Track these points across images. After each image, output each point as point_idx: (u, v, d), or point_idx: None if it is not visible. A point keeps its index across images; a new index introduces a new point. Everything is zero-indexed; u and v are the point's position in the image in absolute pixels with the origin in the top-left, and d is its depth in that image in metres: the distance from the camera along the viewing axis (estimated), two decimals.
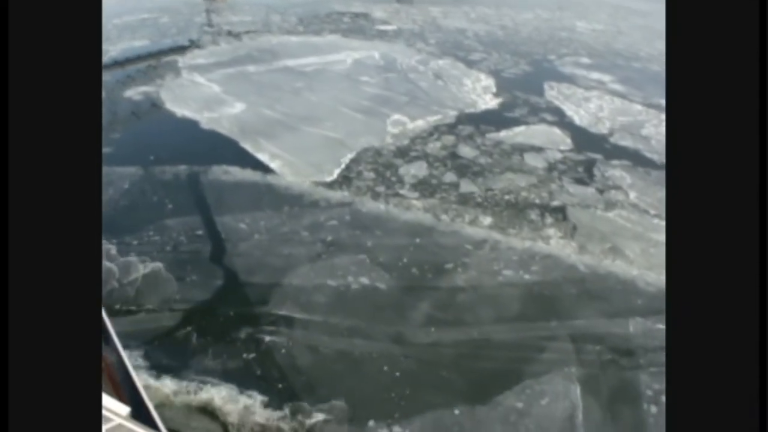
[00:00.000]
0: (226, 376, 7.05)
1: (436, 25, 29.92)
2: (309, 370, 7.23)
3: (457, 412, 6.95)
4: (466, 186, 12.10)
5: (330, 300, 8.41)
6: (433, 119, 15.81)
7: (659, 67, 23.84)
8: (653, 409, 7.33)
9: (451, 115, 16.33)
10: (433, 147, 13.90)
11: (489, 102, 17.74)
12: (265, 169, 12.02)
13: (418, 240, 10.08)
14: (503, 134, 15.09)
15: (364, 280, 8.88)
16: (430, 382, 7.28)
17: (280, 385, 7.02)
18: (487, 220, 10.90)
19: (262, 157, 12.53)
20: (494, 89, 19.11)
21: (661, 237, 10.81)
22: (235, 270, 8.81)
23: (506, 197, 11.80)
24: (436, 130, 15.01)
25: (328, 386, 7.04)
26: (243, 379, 7.02)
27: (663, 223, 11.37)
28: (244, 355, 7.37)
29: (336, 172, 12.14)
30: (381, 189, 11.62)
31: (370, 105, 16.49)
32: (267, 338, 7.62)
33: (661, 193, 12.55)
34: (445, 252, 9.87)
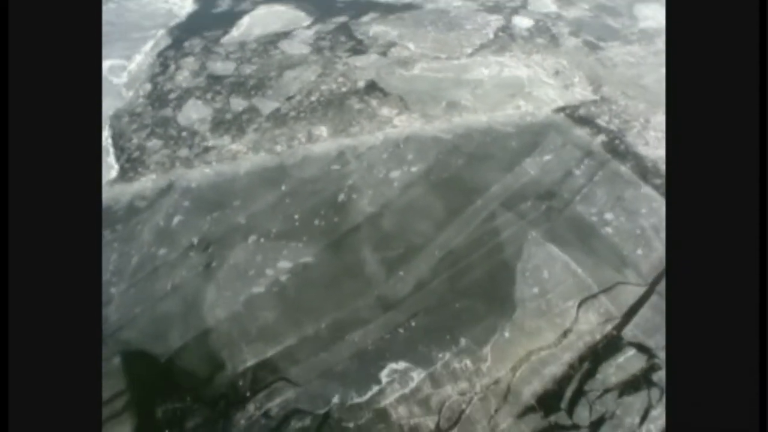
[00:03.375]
0: None
1: None
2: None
3: (507, 334, 6.28)
4: (265, 105, 10.23)
5: (275, 309, 6.57)
6: (148, 47, 12.67)
7: None
8: (609, 230, 7.63)
9: (161, 35, 13.29)
10: (184, 78, 11.27)
11: (185, 5, 14.85)
12: None
13: (283, 188, 8.32)
14: (237, 33, 12.94)
15: (285, 264, 7.10)
16: (454, 327, 6.38)
17: None
18: (322, 130, 9.49)
19: None
20: None
21: (479, 74, 10.80)
22: (133, 349, 6.19)
23: (312, 98, 10.35)
24: (166, 59, 12.11)
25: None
26: None
27: (472, 60, 11.33)
28: None
29: (113, 161, 9.05)
30: (184, 153, 9.13)
31: None
32: (275, 411, 5.65)
33: (434, 34, 12.41)
34: (321, 185, 8.38)
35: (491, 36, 12.28)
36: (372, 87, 10.56)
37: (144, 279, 6.96)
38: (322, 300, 6.69)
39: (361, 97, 10.29)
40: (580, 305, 6.61)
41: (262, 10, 14.00)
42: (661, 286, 6.84)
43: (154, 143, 9.36)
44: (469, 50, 11.74)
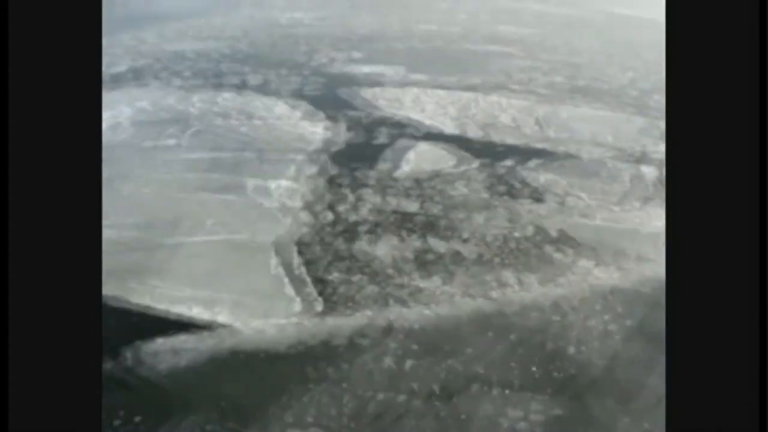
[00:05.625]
0: None
1: None
2: None
3: None
4: (467, 249, 11.45)
5: None
6: (292, 171, 14.13)
7: None
8: None
9: (301, 160, 14.80)
10: (369, 211, 12.57)
11: (317, 131, 16.50)
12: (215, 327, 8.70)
13: (512, 337, 8.98)
14: (408, 168, 14.39)
15: (538, 417, 7.53)
16: None
17: None
18: (532, 279, 10.56)
19: (189, 310, 8.90)
20: None
21: (655, 228, 11.97)
22: None
23: (511, 245, 11.56)
24: (339, 187, 13.53)
25: None
26: None
27: (645, 212, 12.49)
28: None
29: (292, 292, 9.56)
30: (396, 291, 10.22)
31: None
32: None
33: (600, 185, 13.70)
34: (548, 336, 9.13)
35: (650, 188, 13.53)
36: (564, 236, 11.70)
37: (389, 428, 7.39)
38: None
39: (557, 246, 11.44)
40: None
41: (424, 147, 15.41)
42: None
43: (359, 278, 10.17)
44: (637, 203, 12.97)
